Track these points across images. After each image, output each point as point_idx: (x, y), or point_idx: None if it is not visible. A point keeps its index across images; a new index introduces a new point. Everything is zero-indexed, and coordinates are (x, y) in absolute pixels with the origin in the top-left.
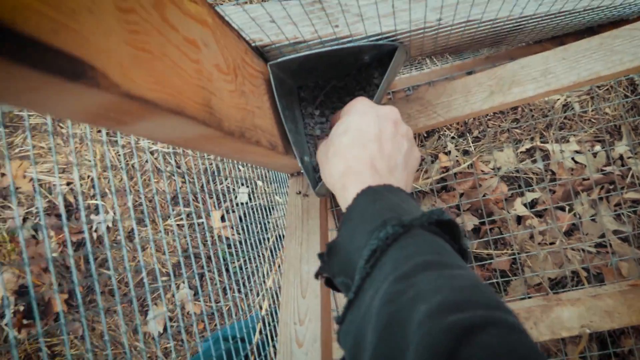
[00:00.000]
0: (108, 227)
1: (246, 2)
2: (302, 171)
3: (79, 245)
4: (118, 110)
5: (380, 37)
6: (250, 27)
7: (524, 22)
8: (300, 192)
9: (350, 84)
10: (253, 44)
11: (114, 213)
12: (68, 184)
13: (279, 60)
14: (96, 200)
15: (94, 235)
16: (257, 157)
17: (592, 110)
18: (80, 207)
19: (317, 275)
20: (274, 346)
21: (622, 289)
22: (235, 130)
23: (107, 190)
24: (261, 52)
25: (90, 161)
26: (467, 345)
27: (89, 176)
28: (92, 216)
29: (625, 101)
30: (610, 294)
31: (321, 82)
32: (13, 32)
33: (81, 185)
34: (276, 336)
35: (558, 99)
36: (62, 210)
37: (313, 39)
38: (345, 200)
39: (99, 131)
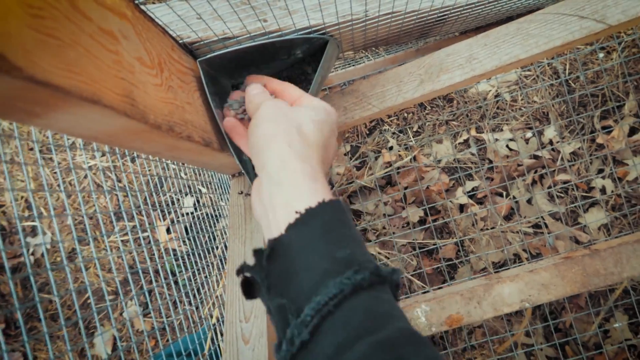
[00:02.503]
0: (47, 249)
1: None
2: (241, 170)
3: (14, 270)
4: (26, 99)
5: (310, 30)
6: (177, 24)
7: (446, 13)
8: (242, 192)
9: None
10: (181, 41)
11: (52, 234)
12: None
13: (208, 56)
14: (31, 222)
15: (31, 258)
16: (193, 155)
17: (522, 100)
18: (18, 228)
19: (238, 273)
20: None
21: (556, 262)
22: (163, 123)
23: (42, 210)
24: (190, 49)
25: (22, 181)
26: None
27: (22, 197)
28: (29, 238)
29: (550, 87)
30: (545, 268)
31: None
32: None
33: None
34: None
35: (489, 91)
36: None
37: (242, 34)
38: (277, 220)
39: (31, 149)
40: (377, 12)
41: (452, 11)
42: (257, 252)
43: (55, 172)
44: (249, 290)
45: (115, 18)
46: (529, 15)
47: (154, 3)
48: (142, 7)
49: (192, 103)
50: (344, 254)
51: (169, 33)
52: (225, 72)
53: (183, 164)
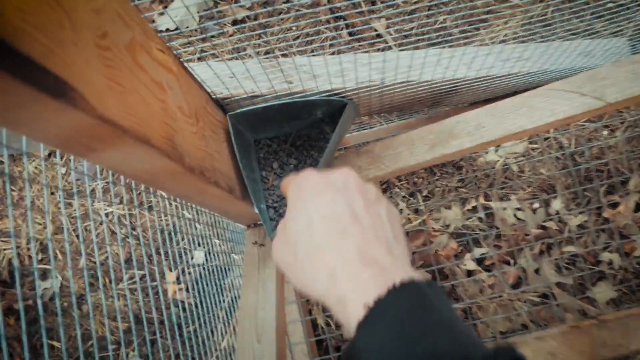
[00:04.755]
0: (54, 294)
1: (208, 58)
2: (259, 221)
3: (20, 313)
4: (91, 135)
5: (330, 93)
6: (212, 81)
7: (457, 84)
8: (256, 242)
9: (304, 139)
10: (214, 96)
11: (62, 278)
12: (16, 247)
13: (237, 111)
14: (44, 265)
15: (39, 302)
16: (216, 201)
17: (529, 171)
18: (33, 270)
19: None
20: None
21: (563, 331)
22: (196, 167)
23: (58, 252)
24: (221, 105)
25: (40, 224)
26: None
27: (37, 239)
28: (39, 281)
29: (556, 159)
30: (553, 336)
31: (277, 137)
32: (14, 49)
33: (28, 249)
34: None
35: (497, 161)
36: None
37: (269, 93)
38: (348, 315)
39: (52, 193)
40: (393, 79)
41: (463, 83)
42: None
43: (72, 217)
44: None
45: (164, 71)
46: (533, 90)
47: (193, 62)
48: (185, 64)
49: (220, 152)
50: (424, 349)
51: (205, 88)
52: (249, 127)
53: (199, 213)
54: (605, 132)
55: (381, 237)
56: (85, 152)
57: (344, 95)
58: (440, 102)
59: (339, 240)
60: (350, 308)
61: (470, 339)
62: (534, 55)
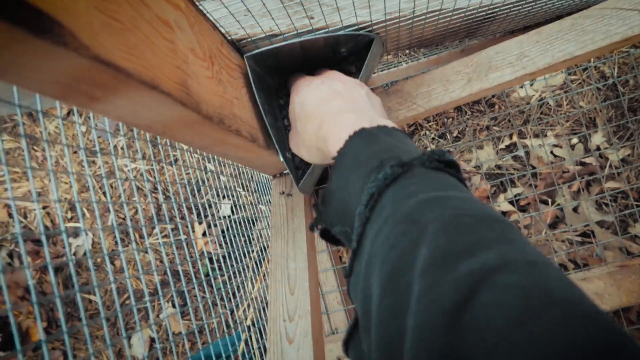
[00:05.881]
0: (85, 252)
1: None
2: (285, 170)
3: (56, 270)
4: (89, 80)
5: (356, 27)
6: (226, 20)
7: (495, 10)
8: (284, 192)
9: None
10: (229, 37)
11: (92, 235)
12: (44, 207)
13: (256, 52)
14: (74, 223)
15: (73, 258)
16: (239, 151)
17: (567, 104)
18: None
19: (312, 227)
20: (261, 354)
21: (610, 271)
22: (214, 115)
23: (85, 211)
24: (237, 47)
25: (66, 183)
26: (483, 293)
27: (65, 198)
28: (71, 239)
29: (597, 91)
30: (599, 276)
31: None
32: None
33: (57, 207)
34: (263, 337)
35: (533, 95)
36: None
37: (289, 31)
38: (330, 151)
39: (75, 152)
40: (425, 9)
41: (501, 8)
42: (315, 205)
43: (98, 175)
44: (328, 236)
45: (170, 8)
46: (584, 11)
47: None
48: (195, 1)
49: (240, 98)
50: (371, 166)
51: (219, 28)
52: (269, 70)
53: (223, 165)
54: None
55: (358, 102)
56: (89, 101)
57: (370, 29)
58: (474, 32)
59: (324, 106)
60: (330, 145)
61: (409, 152)
62: None
